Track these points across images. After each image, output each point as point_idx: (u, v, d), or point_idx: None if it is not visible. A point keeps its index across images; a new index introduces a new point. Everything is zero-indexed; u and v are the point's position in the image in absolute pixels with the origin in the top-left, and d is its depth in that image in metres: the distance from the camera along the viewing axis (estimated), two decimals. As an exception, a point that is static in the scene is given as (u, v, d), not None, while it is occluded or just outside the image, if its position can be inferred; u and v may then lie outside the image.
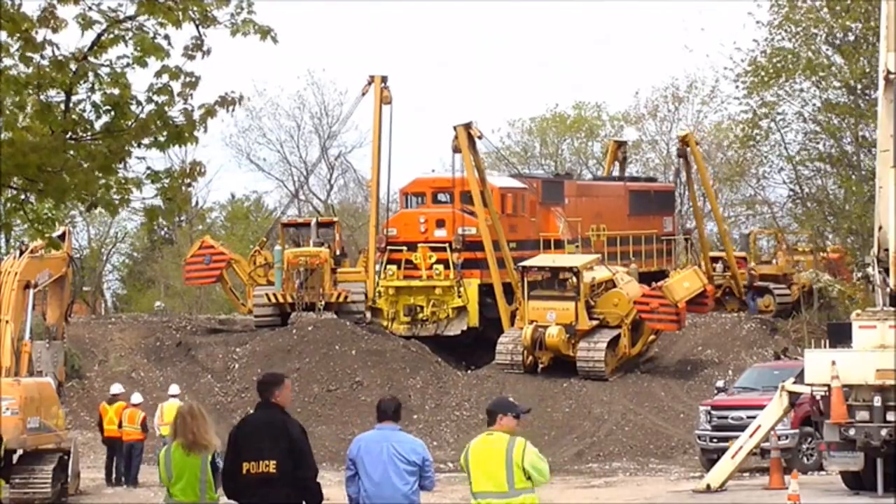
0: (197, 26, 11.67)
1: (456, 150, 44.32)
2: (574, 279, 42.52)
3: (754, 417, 29.28)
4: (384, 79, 45.67)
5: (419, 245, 45.43)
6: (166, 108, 11.71)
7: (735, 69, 47.47)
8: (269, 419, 12.75)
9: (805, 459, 31.72)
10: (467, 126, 44.13)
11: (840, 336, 27.74)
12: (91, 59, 11.61)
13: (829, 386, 26.10)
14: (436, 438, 39.21)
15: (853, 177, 46.76)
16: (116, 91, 11.64)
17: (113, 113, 11.67)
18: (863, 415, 25.98)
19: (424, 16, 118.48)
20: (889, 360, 25.61)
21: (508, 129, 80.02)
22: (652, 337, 44.54)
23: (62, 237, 31.99)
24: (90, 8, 11.60)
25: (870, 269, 28.39)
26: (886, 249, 26.75)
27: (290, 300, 45.14)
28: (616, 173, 57.75)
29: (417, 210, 46.73)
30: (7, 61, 11.63)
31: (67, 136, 11.63)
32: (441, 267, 45.09)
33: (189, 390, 41.22)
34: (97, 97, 11.68)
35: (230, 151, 76.77)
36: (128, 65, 11.65)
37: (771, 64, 46.40)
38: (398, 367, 42.76)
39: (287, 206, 69.65)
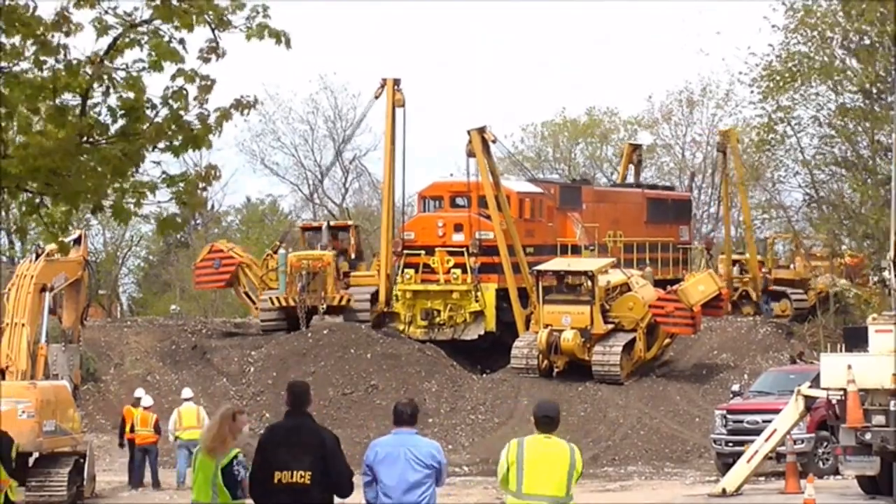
0: (213, 30, 11.68)
1: (470, 154, 44.33)
2: (589, 283, 42.50)
3: (770, 421, 29.22)
4: (397, 81, 45.66)
5: (437, 249, 45.40)
6: (181, 112, 11.72)
7: (750, 73, 47.41)
8: (304, 428, 12.71)
9: (821, 464, 31.65)
10: (481, 130, 44.13)
11: (856, 340, 27.69)
12: (106, 62, 11.63)
13: (844, 390, 26.05)
14: (451, 442, 39.21)
15: (869, 181, 46.64)
16: (132, 95, 11.66)
17: (128, 117, 11.68)
18: (879, 419, 25.92)
19: (432, 18, 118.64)
20: (905, 364, 25.55)
21: (521, 133, 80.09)
22: (667, 341, 44.49)
23: (78, 241, 32.09)
24: (106, 12, 11.62)
25: (886, 273, 28.34)
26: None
27: (292, 304, 45.15)
28: (631, 177, 57.72)
29: (435, 214, 46.71)
30: (22, 65, 11.65)
31: (82, 139, 11.64)
32: (458, 271, 45.07)
33: (204, 394, 41.30)
34: (112, 101, 11.69)
35: (245, 156, 76.90)
36: (143, 69, 11.67)
37: (786, 68, 46.32)
38: (413, 370, 42.76)
39: (301, 209, 69.88)
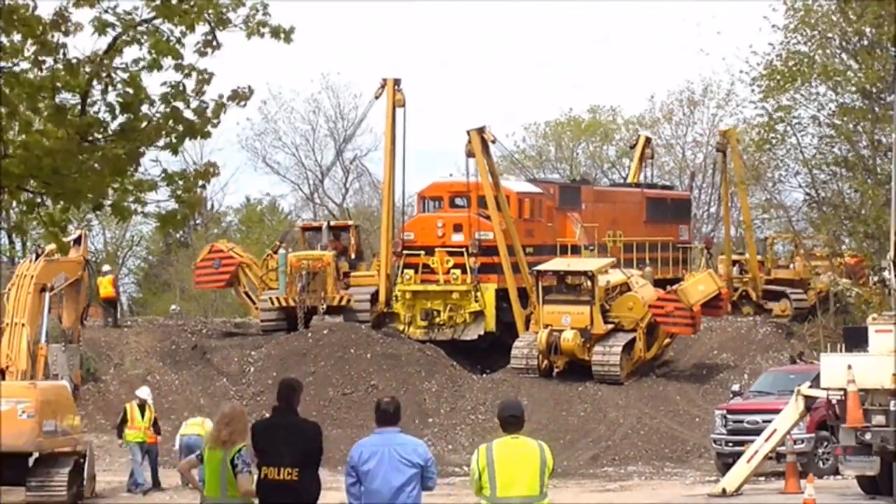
0: (212, 28, 11.69)
1: (470, 154, 44.29)
2: (589, 283, 42.50)
3: (770, 421, 29.22)
4: (397, 81, 45.64)
5: (436, 249, 45.39)
6: (179, 107, 11.73)
7: (751, 73, 47.41)
8: (290, 424, 12.81)
9: (821, 464, 31.66)
10: (480, 130, 44.09)
11: (856, 340, 27.69)
12: (106, 61, 11.63)
13: (844, 390, 26.06)
14: (451, 442, 39.22)
15: (869, 181, 46.63)
16: (131, 91, 11.66)
17: (127, 113, 11.68)
18: (879, 419, 25.93)
19: (432, 18, 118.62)
20: (905, 364, 25.56)
21: (523, 133, 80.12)
22: (667, 340, 44.50)
23: (78, 241, 32.09)
24: (105, 11, 11.62)
25: (886, 273, 28.34)
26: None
27: (292, 304, 45.13)
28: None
29: (435, 214, 46.69)
30: (22, 65, 11.66)
31: (82, 139, 11.65)
32: (458, 271, 45.06)
33: (204, 394, 41.32)
34: (112, 98, 11.70)
35: (245, 155, 76.94)
36: (143, 67, 11.67)
37: (787, 67, 46.32)
38: (413, 370, 42.76)
39: (302, 209, 69.87)
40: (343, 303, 45.30)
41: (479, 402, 41.69)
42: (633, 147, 61.32)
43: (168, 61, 11.64)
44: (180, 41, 11.62)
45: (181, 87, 11.73)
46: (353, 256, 47.69)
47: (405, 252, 45.54)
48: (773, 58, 46.69)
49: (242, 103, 11.97)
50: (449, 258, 45.18)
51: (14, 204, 12.41)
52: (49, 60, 11.50)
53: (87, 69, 11.56)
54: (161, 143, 11.82)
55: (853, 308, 47.90)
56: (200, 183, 12.20)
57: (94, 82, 11.61)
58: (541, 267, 43.36)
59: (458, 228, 45.51)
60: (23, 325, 29.84)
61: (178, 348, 45.73)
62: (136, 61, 11.70)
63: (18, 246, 59.90)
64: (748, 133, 51.98)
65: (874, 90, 46.25)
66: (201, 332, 47.93)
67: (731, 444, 32.15)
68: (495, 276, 44.94)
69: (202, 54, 11.73)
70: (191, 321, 51.39)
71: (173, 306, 62.33)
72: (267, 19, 11.76)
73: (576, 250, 47.45)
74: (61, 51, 11.53)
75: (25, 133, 11.76)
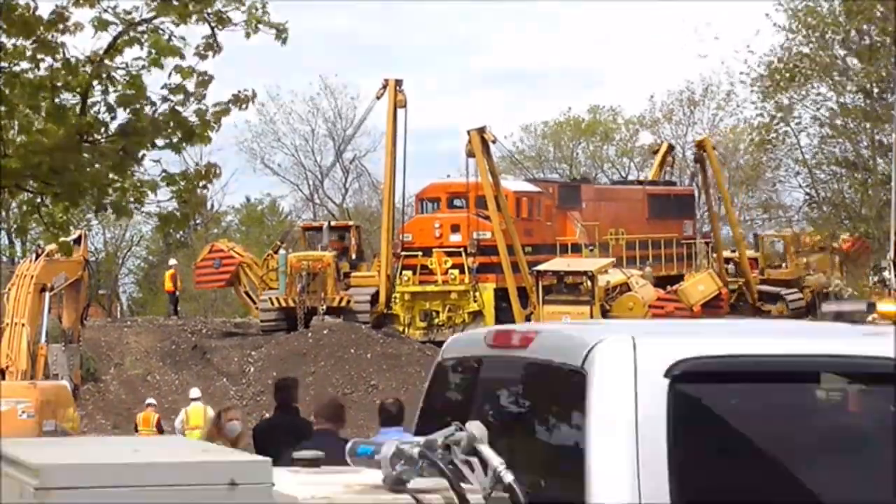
0: (212, 27, 11.68)
1: (470, 154, 44.17)
2: (589, 283, 42.48)
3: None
4: (399, 82, 45.62)
5: (434, 250, 45.36)
6: (179, 108, 11.73)
7: (751, 74, 47.40)
8: (292, 425, 12.85)
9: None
10: (481, 130, 44.03)
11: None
12: (106, 61, 11.63)
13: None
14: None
15: (869, 181, 46.64)
16: (131, 92, 11.66)
17: (127, 114, 11.69)
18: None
19: (432, 18, 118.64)
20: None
21: (522, 133, 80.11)
22: (667, 340, 44.45)
23: (78, 241, 32.06)
24: (105, 10, 11.62)
25: (886, 273, 28.36)
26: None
27: (292, 304, 45.10)
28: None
29: (432, 215, 46.67)
30: (22, 64, 11.65)
31: (82, 138, 11.65)
32: (456, 272, 45.04)
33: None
34: (112, 98, 11.70)
35: (245, 156, 76.93)
36: (143, 67, 11.67)
37: (787, 67, 46.32)
38: (413, 370, 42.74)
39: (302, 209, 69.88)
40: (343, 303, 45.27)
41: (479, 402, 41.69)
42: (655, 152, 61.28)
43: (168, 61, 11.64)
44: (183, 39, 11.62)
45: (182, 87, 11.72)
46: (353, 257, 47.67)
47: (403, 253, 45.52)
48: (774, 59, 46.72)
49: (244, 107, 11.96)
50: (447, 259, 45.16)
51: (14, 204, 12.41)
52: (48, 60, 11.49)
53: (87, 69, 11.55)
54: (161, 142, 11.81)
55: (852, 307, 47.86)
56: (202, 184, 12.20)
57: (95, 82, 11.61)
58: (541, 267, 43.35)
59: (455, 229, 45.48)
60: (23, 325, 29.84)
61: (178, 348, 45.73)
62: (136, 60, 11.71)
63: (18, 246, 59.91)
64: (748, 133, 52.04)
65: (875, 90, 46.27)
66: (201, 332, 47.93)
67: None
68: (494, 276, 44.91)
69: (203, 57, 11.73)
70: (191, 321, 51.38)
71: (173, 306, 62.26)
72: (266, 18, 11.75)
73: (576, 249, 47.42)
74: (61, 50, 11.52)
75: (25, 132, 11.76)
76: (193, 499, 4.39)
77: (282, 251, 46.90)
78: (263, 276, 47.63)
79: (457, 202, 46.21)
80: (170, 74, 11.71)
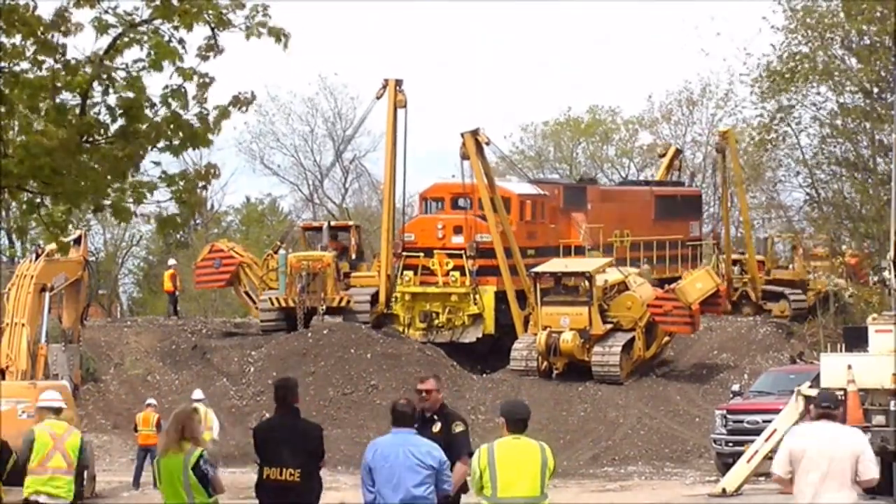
0: (212, 29, 11.68)
1: (464, 157, 44.04)
2: (587, 283, 42.46)
3: (770, 421, 29.20)
4: (399, 82, 45.58)
5: (435, 251, 45.31)
6: (180, 111, 11.72)
7: (750, 74, 47.43)
8: (292, 425, 12.87)
9: (821, 464, 31.57)
10: (474, 133, 43.90)
11: (856, 340, 27.71)
12: (106, 62, 11.62)
13: (844, 390, 26.05)
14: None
15: (869, 181, 46.68)
16: (131, 94, 11.66)
17: (127, 116, 11.68)
18: (879, 419, 25.94)
19: (432, 18, 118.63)
20: (905, 364, 25.57)
21: (521, 133, 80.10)
22: (666, 339, 44.47)
23: (78, 241, 32.08)
24: (106, 11, 11.61)
25: (886, 273, 28.35)
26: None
27: (292, 304, 45.07)
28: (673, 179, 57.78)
29: (435, 216, 46.59)
30: (22, 65, 11.65)
31: (82, 139, 11.64)
32: (457, 273, 44.99)
33: (205, 394, 41.26)
34: (112, 100, 11.70)
35: (244, 156, 76.92)
36: (143, 68, 11.67)
37: (787, 68, 46.34)
38: (413, 370, 42.70)
39: (302, 210, 69.85)
40: (343, 304, 45.25)
41: (479, 402, 41.69)
42: (661, 156, 61.21)
43: (169, 63, 11.63)
44: (182, 41, 11.61)
45: (182, 90, 11.72)
46: (353, 257, 47.64)
47: (405, 253, 45.47)
48: (774, 59, 46.73)
49: (244, 109, 11.95)
50: (448, 260, 45.10)
51: (13, 204, 12.41)
52: (49, 60, 11.49)
53: (88, 69, 11.55)
54: (161, 144, 11.81)
55: (853, 308, 47.91)
56: (201, 184, 12.19)
57: (95, 83, 11.60)
58: (538, 268, 43.29)
59: (458, 230, 45.42)
60: (23, 325, 29.87)
61: (178, 348, 45.73)
62: (136, 62, 11.70)
63: (18, 246, 59.89)
64: (748, 133, 52.02)
65: (874, 89, 46.28)
66: (201, 332, 47.92)
67: (731, 444, 32.13)
68: (495, 279, 44.83)
69: (204, 58, 11.72)
70: (191, 321, 51.37)
71: (173, 306, 62.23)
72: (267, 20, 11.75)
73: (579, 251, 47.34)
74: (62, 51, 11.52)
75: (25, 133, 11.75)
76: None
77: (282, 251, 46.87)
78: (263, 276, 47.61)
79: (461, 203, 46.10)
80: (171, 76, 11.71)
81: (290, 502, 12.62)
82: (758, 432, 29.48)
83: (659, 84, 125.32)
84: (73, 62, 11.53)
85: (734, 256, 53.49)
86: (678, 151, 60.50)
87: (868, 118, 46.31)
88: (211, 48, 11.66)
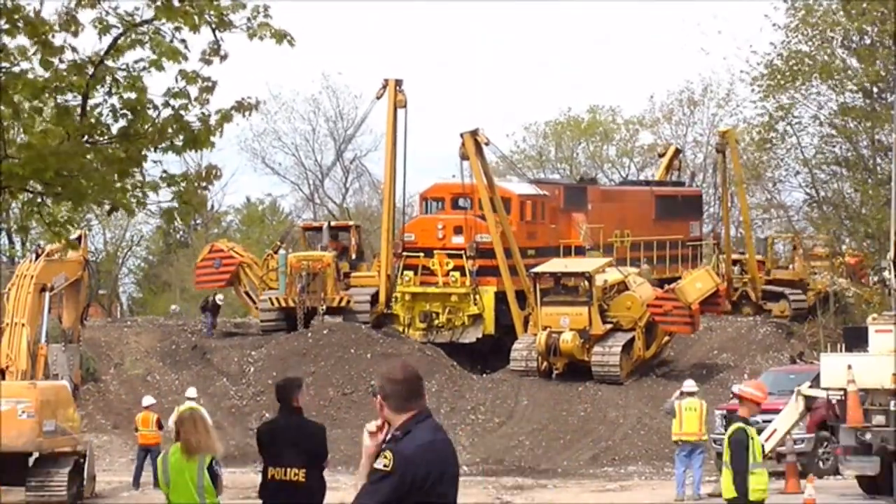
0: (213, 30, 11.67)
1: (464, 157, 44.00)
2: (586, 284, 42.44)
3: (770, 421, 29.21)
4: (399, 82, 45.57)
5: (435, 251, 45.28)
6: (183, 113, 11.72)
7: (751, 72, 47.43)
8: (295, 425, 12.86)
9: (821, 464, 31.65)
10: (474, 133, 43.86)
11: (856, 340, 27.70)
12: (108, 62, 11.63)
13: (845, 390, 26.05)
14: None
15: (869, 180, 46.68)
16: (133, 95, 11.66)
17: (130, 117, 11.68)
18: (879, 419, 25.93)
19: (432, 18, 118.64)
20: (905, 364, 25.56)
21: (524, 133, 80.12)
22: (666, 338, 44.46)
23: (78, 241, 32.04)
24: (107, 12, 11.61)
25: (886, 273, 28.35)
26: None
27: (292, 304, 45.02)
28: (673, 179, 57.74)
29: (435, 216, 46.55)
30: (24, 65, 11.65)
31: (84, 139, 11.65)
32: (457, 274, 44.96)
33: (204, 394, 41.26)
34: (114, 101, 11.70)
35: (245, 155, 76.91)
36: (144, 68, 11.67)
37: (787, 66, 46.34)
38: (413, 370, 42.71)
39: (303, 209, 69.83)
40: (343, 303, 45.23)
41: (479, 402, 41.70)
42: (661, 156, 61.20)
43: (170, 64, 11.62)
44: (184, 42, 11.61)
45: (185, 91, 11.71)
46: (353, 257, 47.61)
47: (405, 254, 45.44)
48: (774, 57, 46.73)
49: (247, 114, 11.95)
50: (448, 260, 45.07)
51: (14, 204, 12.41)
52: (55, 61, 11.49)
53: (89, 70, 11.55)
54: (163, 145, 11.81)
55: (853, 308, 47.91)
56: (203, 185, 12.20)
57: (98, 85, 11.61)
58: (538, 269, 43.26)
59: (458, 230, 45.39)
60: (23, 325, 29.84)
61: (178, 348, 45.73)
62: (137, 62, 11.70)
63: (18, 246, 59.90)
64: (748, 133, 52.02)
65: (875, 89, 46.29)
66: (201, 331, 47.93)
67: (731, 444, 32.09)
68: (495, 279, 44.80)
69: (207, 62, 11.72)
70: (191, 321, 51.37)
71: (173, 306, 62.35)
72: (269, 21, 11.74)
73: (580, 251, 47.31)
74: (71, 51, 11.52)
75: (28, 133, 11.75)
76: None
77: (281, 251, 46.83)
78: (263, 276, 47.59)
79: (461, 203, 46.05)
80: (176, 79, 11.71)
81: (295, 502, 12.58)
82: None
83: (660, 84, 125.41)
84: (75, 62, 11.53)
85: (734, 256, 53.48)
86: (678, 151, 60.54)
87: (868, 118, 46.31)
88: (215, 52, 11.66)
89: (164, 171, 12.05)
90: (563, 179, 61.43)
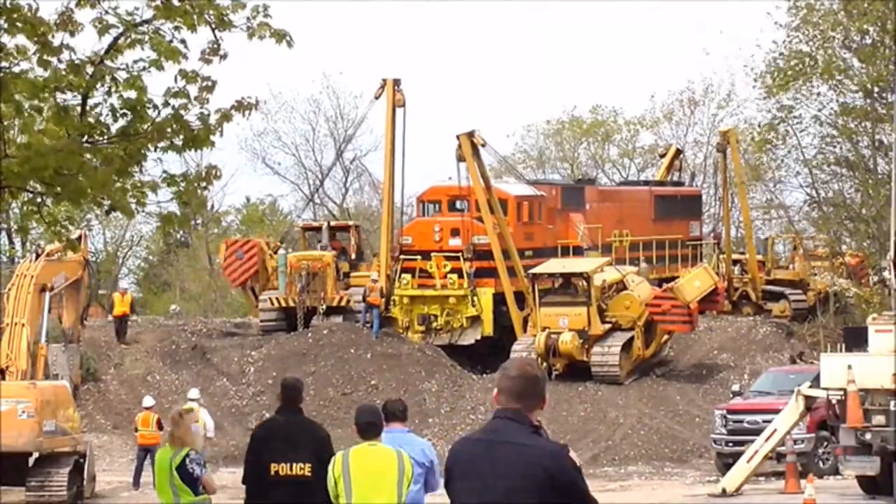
0: (213, 30, 11.68)
1: (460, 158, 43.90)
2: (585, 284, 42.41)
3: (770, 421, 29.23)
4: (397, 82, 45.51)
5: (433, 254, 45.23)
6: (182, 112, 11.73)
7: (755, 69, 47.44)
8: (300, 423, 12.87)
9: (821, 464, 31.66)
10: (470, 134, 43.78)
11: (856, 340, 27.72)
12: (107, 62, 11.63)
13: (845, 390, 26.06)
14: (451, 442, 39.12)
15: (870, 181, 46.69)
16: (133, 95, 11.66)
17: (129, 116, 11.69)
18: (879, 419, 25.94)
19: (432, 18, 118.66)
20: (905, 364, 25.57)
21: (524, 133, 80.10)
22: (665, 337, 44.44)
23: (78, 241, 32.04)
24: (106, 12, 11.62)
25: (886, 273, 28.36)
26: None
27: (292, 304, 44.93)
28: (673, 179, 57.69)
29: (432, 218, 46.48)
30: (24, 65, 11.66)
31: (84, 139, 11.65)
32: (455, 276, 44.93)
33: (204, 394, 41.25)
34: (114, 100, 11.70)
35: (245, 155, 76.86)
36: (144, 68, 11.67)
37: (789, 66, 46.36)
38: (413, 370, 42.77)
39: (303, 209, 69.79)
40: (343, 303, 45.18)
41: (479, 402, 41.70)
42: (662, 155, 61.18)
43: (170, 64, 11.63)
44: (183, 42, 11.61)
45: (185, 90, 11.72)
46: (353, 256, 47.57)
47: (402, 256, 45.40)
48: (776, 55, 46.74)
49: (247, 114, 11.95)
50: (446, 263, 45.01)
51: (14, 204, 12.42)
52: (53, 60, 11.49)
53: (89, 70, 11.56)
54: (163, 144, 11.82)
55: (853, 308, 47.92)
56: (202, 185, 12.20)
57: (98, 84, 11.61)
58: (536, 269, 43.22)
59: (455, 232, 45.33)
60: (23, 325, 29.86)
61: (178, 348, 45.73)
62: (137, 61, 11.71)
63: (18, 246, 59.90)
64: (749, 133, 52.03)
65: (875, 89, 46.30)
66: (201, 331, 47.91)
67: (731, 444, 32.15)
68: (493, 281, 44.74)
69: (207, 61, 11.72)
70: (191, 321, 51.36)
71: (173, 306, 62.30)
72: (269, 21, 11.75)
73: (578, 252, 47.26)
74: (68, 51, 11.52)
75: (28, 133, 11.76)
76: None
77: (281, 251, 46.71)
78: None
79: (458, 205, 45.96)
80: (176, 79, 11.71)
81: (303, 500, 12.50)
82: (758, 432, 29.49)
83: (661, 84, 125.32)
84: (74, 62, 11.54)
85: (735, 256, 53.49)
86: (679, 151, 60.53)
87: (869, 118, 46.33)
88: (214, 52, 11.66)
89: (164, 171, 12.07)
90: (561, 180, 61.34)
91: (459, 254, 44.70)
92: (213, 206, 74.95)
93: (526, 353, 42.63)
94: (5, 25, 11.36)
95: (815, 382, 28.00)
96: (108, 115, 11.71)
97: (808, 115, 48.08)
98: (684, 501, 29.19)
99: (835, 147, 49.01)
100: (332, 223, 50.88)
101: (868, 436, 25.84)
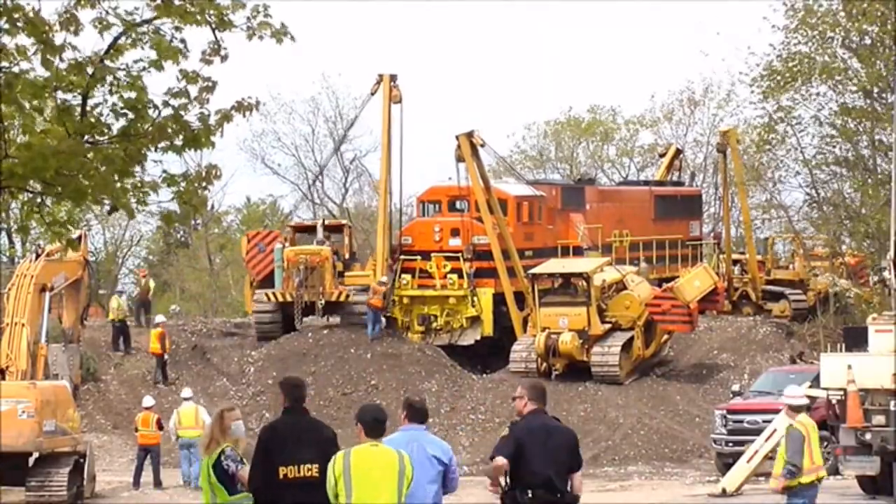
0: (213, 30, 11.68)
1: (459, 159, 43.85)
2: (584, 284, 42.41)
3: (770, 421, 29.22)
4: (393, 77, 45.39)
5: (433, 254, 45.20)
6: (183, 113, 11.73)
7: (751, 73, 47.45)
8: (306, 424, 12.81)
9: (821, 464, 31.59)
10: (469, 135, 43.73)
11: (856, 340, 27.73)
12: (108, 62, 11.63)
13: (845, 390, 26.07)
14: (451, 442, 38.87)
15: (869, 181, 46.70)
16: (133, 94, 11.66)
17: (130, 116, 11.69)
18: (879, 419, 25.95)
19: (432, 18, 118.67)
20: (905, 364, 25.58)
21: (524, 132, 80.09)
22: (665, 337, 44.43)
23: (78, 240, 32.05)
24: (107, 12, 11.62)
25: (886, 273, 28.36)
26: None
27: (289, 299, 44.44)
28: (673, 179, 57.67)
29: (432, 219, 46.43)
30: (24, 65, 11.66)
31: (85, 139, 11.65)
32: (455, 276, 44.89)
33: (204, 394, 41.31)
34: (114, 100, 11.71)
35: (245, 155, 76.80)
36: (144, 68, 11.68)
37: (787, 67, 46.35)
38: (413, 370, 42.76)
39: (297, 206, 69.60)
40: (342, 298, 44.74)
41: (479, 402, 41.70)
42: (662, 156, 61.15)
43: (170, 64, 11.63)
44: (183, 42, 11.62)
45: (185, 91, 11.72)
46: (346, 256, 47.26)
47: (402, 257, 45.35)
48: (773, 58, 46.75)
49: (247, 114, 11.95)
50: (446, 263, 44.97)
51: (14, 204, 12.42)
52: (55, 60, 11.49)
53: (89, 70, 11.56)
54: (163, 144, 11.82)
55: (853, 308, 47.92)
56: (203, 185, 12.20)
57: (98, 84, 11.62)
58: (536, 269, 43.20)
59: (455, 233, 45.29)
60: (23, 325, 29.87)
61: (178, 348, 45.71)
62: (137, 61, 11.71)
63: (18, 246, 59.89)
64: (748, 133, 52.04)
65: (875, 89, 46.30)
66: (201, 331, 47.90)
67: (731, 444, 32.15)
68: (493, 281, 44.70)
69: (208, 62, 11.72)
70: (190, 321, 51.34)
71: (173, 306, 62.31)
72: (269, 20, 11.75)
73: (578, 252, 47.24)
74: (71, 50, 11.52)
75: (28, 133, 11.76)
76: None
77: (278, 245, 46.27)
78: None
79: (459, 205, 45.90)
80: (176, 79, 11.72)
81: (315, 500, 12.42)
82: (758, 432, 29.50)
83: (661, 83, 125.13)
84: (78, 62, 11.54)
85: (735, 256, 53.48)
86: (678, 151, 60.51)
87: (868, 118, 46.33)
88: (215, 52, 11.66)
89: (165, 171, 12.07)
90: (561, 180, 61.31)
91: (459, 254, 44.67)
92: (213, 206, 74.95)
93: (526, 354, 42.64)
94: (6, 26, 11.37)
95: (815, 382, 28.01)
96: (108, 114, 11.72)
97: (808, 116, 48.10)
98: (684, 501, 29.19)
99: (834, 147, 49.02)
100: (326, 222, 50.38)
101: (868, 436, 25.84)
